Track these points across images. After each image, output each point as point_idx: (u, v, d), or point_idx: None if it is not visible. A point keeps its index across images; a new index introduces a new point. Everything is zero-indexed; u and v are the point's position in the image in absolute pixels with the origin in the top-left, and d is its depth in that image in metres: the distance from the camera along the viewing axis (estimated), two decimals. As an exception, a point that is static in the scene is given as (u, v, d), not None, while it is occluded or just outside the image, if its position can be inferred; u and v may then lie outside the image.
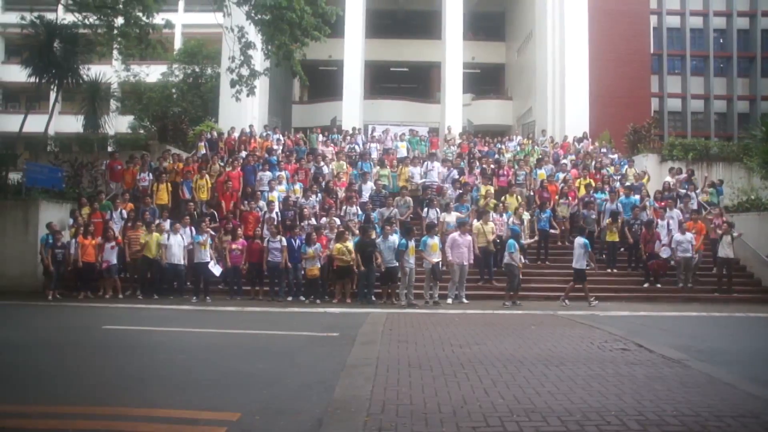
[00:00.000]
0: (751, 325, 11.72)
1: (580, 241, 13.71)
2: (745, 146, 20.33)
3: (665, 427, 4.61)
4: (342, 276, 13.93)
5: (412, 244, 13.50)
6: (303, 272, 13.96)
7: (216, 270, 13.94)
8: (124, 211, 15.43)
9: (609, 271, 15.69)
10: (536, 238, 15.56)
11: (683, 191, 17.54)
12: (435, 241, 13.60)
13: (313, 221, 15.13)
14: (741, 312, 12.90)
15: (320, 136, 23.26)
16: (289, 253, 13.97)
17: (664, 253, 15.04)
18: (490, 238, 14.62)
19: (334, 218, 15.16)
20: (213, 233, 14.49)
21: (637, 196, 16.78)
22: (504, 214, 15.57)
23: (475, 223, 14.87)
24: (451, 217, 15.22)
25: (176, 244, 13.99)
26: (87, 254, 14.01)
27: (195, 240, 14.02)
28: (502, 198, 16.72)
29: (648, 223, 15.31)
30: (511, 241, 13.71)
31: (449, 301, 13.66)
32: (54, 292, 13.80)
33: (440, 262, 13.62)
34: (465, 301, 13.72)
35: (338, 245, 13.76)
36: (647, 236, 15.13)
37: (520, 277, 13.78)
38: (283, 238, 14.02)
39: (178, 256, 13.99)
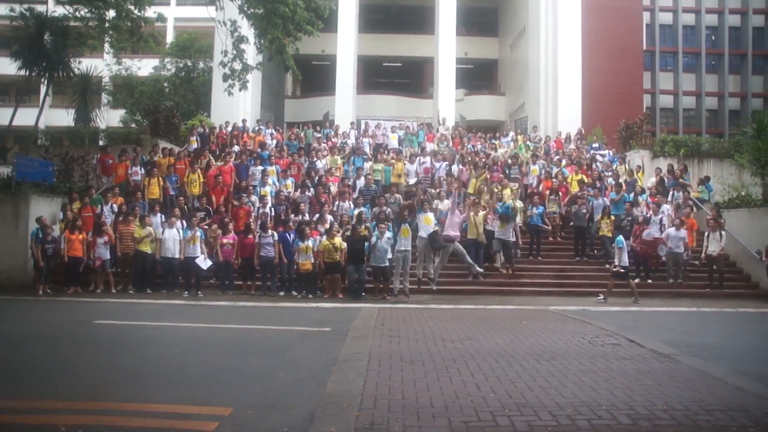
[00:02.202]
0: (740, 320, 11.79)
1: (620, 240, 13.66)
2: (735, 143, 20.44)
3: (656, 421, 4.65)
4: (331, 271, 13.92)
5: (405, 225, 13.49)
6: (296, 267, 13.95)
7: (204, 264, 13.89)
8: (114, 206, 15.36)
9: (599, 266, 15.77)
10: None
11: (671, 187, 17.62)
12: (428, 215, 13.58)
13: (307, 217, 15.09)
14: (731, 307, 12.99)
15: (315, 132, 23.19)
16: (284, 248, 13.96)
17: (661, 251, 15.16)
18: (481, 230, 14.64)
19: (327, 215, 15.16)
20: (205, 227, 14.49)
21: (630, 194, 16.84)
22: (498, 205, 15.57)
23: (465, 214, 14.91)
24: (444, 205, 15.23)
25: (171, 238, 13.97)
26: (73, 249, 13.94)
27: (184, 235, 13.99)
28: (497, 189, 16.73)
29: (645, 220, 15.34)
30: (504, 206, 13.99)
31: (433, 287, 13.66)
32: (44, 287, 13.74)
33: (438, 231, 13.53)
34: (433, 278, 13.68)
35: (324, 242, 13.75)
36: (638, 231, 15.19)
37: (513, 251, 13.74)
38: (275, 233, 14.00)
39: (172, 251, 13.97)
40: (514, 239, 13.75)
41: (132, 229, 14.27)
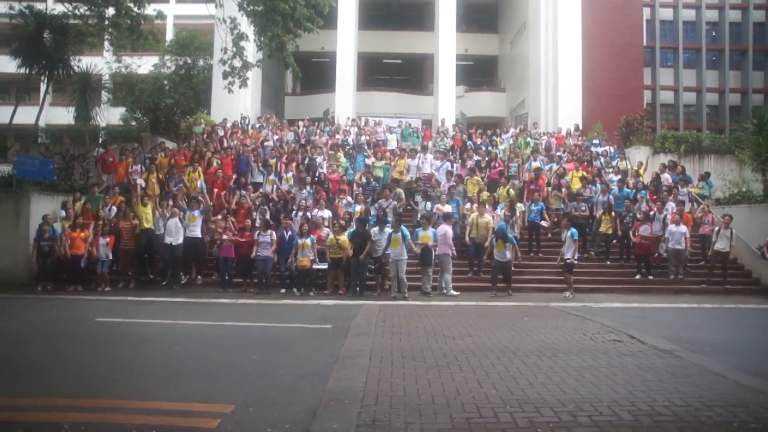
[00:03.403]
0: (741, 316, 11.81)
1: (573, 232, 13.74)
2: (736, 139, 20.41)
3: (657, 416, 4.65)
4: (335, 267, 13.93)
5: (397, 235, 13.39)
6: (295, 264, 13.94)
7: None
8: (113, 207, 15.37)
9: (600, 263, 15.77)
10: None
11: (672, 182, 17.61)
12: (427, 233, 13.59)
13: (308, 214, 15.07)
14: (731, 303, 13.00)
15: (317, 129, 23.15)
16: (280, 246, 13.98)
17: (660, 249, 15.20)
18: (483, 232, 14.62)
19: (326, 210, 15.17)
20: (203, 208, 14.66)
21: (631, 189, 16.82)
22: (498, 207, 15.59)
23: (471, 215, 14.91)
24: (445, 209, 15.25)
25: (174, 225, 14.10)
26: (75, 247, 13.96)
27: (185, 212, 14.10)
28: (497, 190, 16.74)
29: (646, 216, 15.33)
30: (493, 237, 13.87)
31: (454, 292, 13.67)
32: (43, 285, 13.76)
33: (431, 249, 13.60)
34: (430, 292, 13.64)
35: (331, 236, 13.79)
36: (638, 227, 15.20)
37: (511, 270, 13.81)
38: (273, 233, 14.01)
39: (176, 237, 14.06)
40: (510, 258, 13.75)
41: (132, 225, 14.33)
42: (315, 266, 13.87)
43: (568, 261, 13.62)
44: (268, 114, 26.28)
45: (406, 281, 13.33)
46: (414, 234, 13.77)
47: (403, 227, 13.68)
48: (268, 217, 14.83)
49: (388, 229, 13.68)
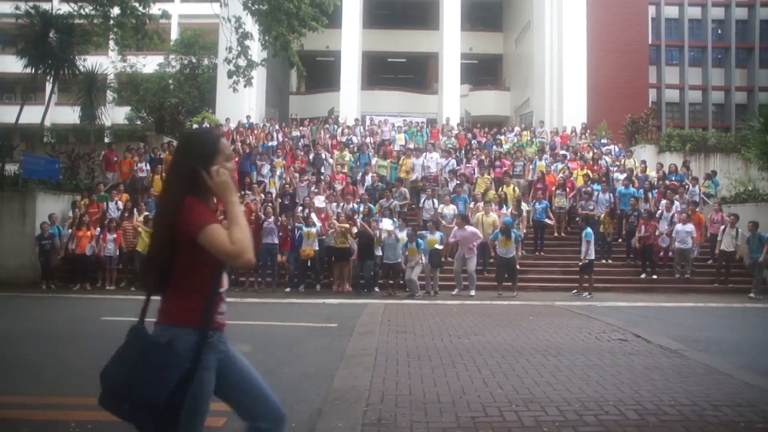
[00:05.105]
0: (747, 315, 11.76)
1: (588, 232, 13.61)
2: (742, 137, 20.33)
3: (663, 416, 4.63)
4: (340, 259, 13.92)
5: (412, 246, 13.33)
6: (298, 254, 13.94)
7: None
8: (119, 202, 15.43)
9: (602, 261, 15.71)
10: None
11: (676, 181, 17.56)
12: (434, 237, 13.56)
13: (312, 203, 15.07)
14: (737, 302, 12.95)
15: (321, 130, 23.17)
16: (291, 241, 14.01)
17: (663, 243, 15.13)
18: (489, 231, 14.61)
19: (328, 205, 15.22)
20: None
21: (639, 188, 16.78)
22: (504, 206, 15.57)
23: (477, 214, 14.90)
24: (449, 209, 15.23)
25: None
26: (80, 246, 14.01)
27: None
28: (500, 189, 16.74)
29: (649, 214, 15.29)
30: (495, 231, 13.79)
31: (454, 292, 13.63)
32: (47, 283, 13.81)
33: (440, 252, 13.62)
34: (472, 293, 13.49)
35: (342, 225, 13.80)
36: (642, 226, 15.17)
37: (517, 268, 13.79)
38: (280, 219, 14.03)
39: None
40: (514, 254, 13.69)
41: (136, 225, 14.35)
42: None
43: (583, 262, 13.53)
44: (271, 116, 26.33)
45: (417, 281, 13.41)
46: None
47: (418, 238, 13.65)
48: (272, 207, 14.84)
49: (400, 235, 13.51)
